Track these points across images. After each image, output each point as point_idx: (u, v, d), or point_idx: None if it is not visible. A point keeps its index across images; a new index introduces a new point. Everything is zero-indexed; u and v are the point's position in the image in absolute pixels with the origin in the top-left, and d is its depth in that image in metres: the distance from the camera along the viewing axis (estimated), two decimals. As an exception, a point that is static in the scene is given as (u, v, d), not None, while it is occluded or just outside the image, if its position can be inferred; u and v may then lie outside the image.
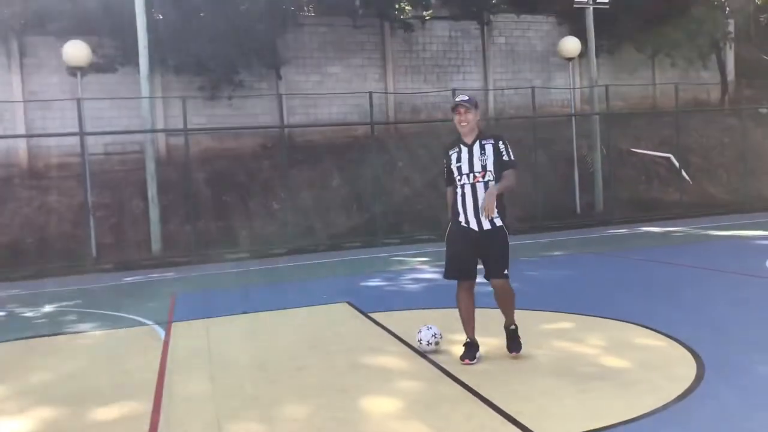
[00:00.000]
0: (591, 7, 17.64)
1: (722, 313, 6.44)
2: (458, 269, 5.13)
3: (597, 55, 18.45)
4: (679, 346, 5.26)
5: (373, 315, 7.11)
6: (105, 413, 4.55)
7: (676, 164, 18.80)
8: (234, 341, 6.51)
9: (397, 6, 18.29)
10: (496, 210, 4.92)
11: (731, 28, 21.64)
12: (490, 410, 4.10)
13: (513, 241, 5.13)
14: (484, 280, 5.11)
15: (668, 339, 5.50)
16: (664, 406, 4.02)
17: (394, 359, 5.42)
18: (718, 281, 8.37)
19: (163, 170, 15.26)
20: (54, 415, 4.60)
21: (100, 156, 16.07)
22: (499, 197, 4.95)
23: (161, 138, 16.62)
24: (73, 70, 14.57)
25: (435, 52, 19.76)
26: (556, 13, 20.50)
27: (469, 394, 4.42)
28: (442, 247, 5.34)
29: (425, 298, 8.22)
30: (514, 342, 5.21)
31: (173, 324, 7.37)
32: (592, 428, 3.74)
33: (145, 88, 14.39)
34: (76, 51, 14.20)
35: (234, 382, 5.04)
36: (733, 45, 22.18)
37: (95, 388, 5.13)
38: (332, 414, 4.23)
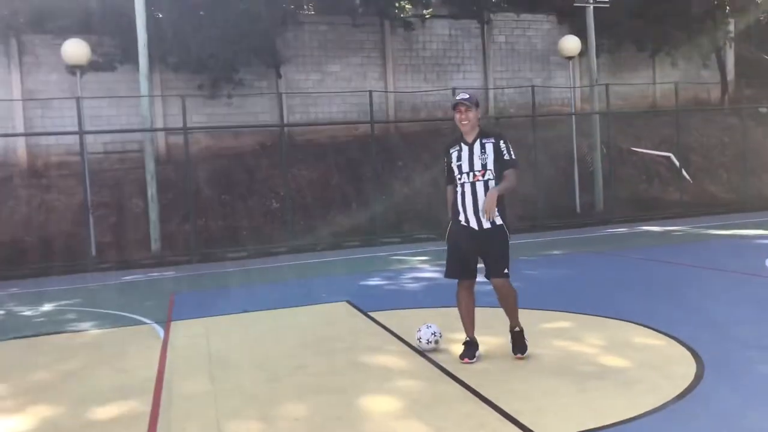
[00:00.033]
0: (591, 6, 17.63)
1: (722, 312, 6.44)
2: (458, 268, 5.13)
3: (597, 54, 18.45)
4: (679, 345, 5.26)
5: (372, 314, 7.11)
6: (104, 412, 4.54)
7: (677, 163, 18.80)
8: (233, 340, 6.51)
9: (397, 4, 18.28)
10: (496, 210, 4.91)
11: (731, 27, 21.62)
12: (490, 409, 4.10)
13: (513, 240, 5.13)
14: (485, 279, 5.10)
15: (668, 338, 5.50)
16: (663, 405, 4.02)
17: (394, 358, 5.42)
18: (718, 280, 8.37)
19: (162, 169, 15.25)
20: (53, 413, 4.59)
21: (100, 155, 16.07)
22: (500, 197, 4.94)
23: (161, 137, 16.61)
24: (73, 69, 14.55)
25: (435, 51, 19.75)
26: (557, 12, 20.49)
27: (469, 393, 4.41)
28: (441, 246, 5.34)
29: (425, 297, 8.22)
30: (518, 344, 5.15)
31: (172, 323, 7.37)
32: (591, 427, 3.74)
33: (144, 87, 14.38)
34: (76, 49, 14.18)
35: (233, 381, 5.03)
36: (733, 44, 22.18)
37: (94, 387, 5.13)
38: (332, 413, 4.22)
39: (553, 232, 15.19)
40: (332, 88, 18.35)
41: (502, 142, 5.05)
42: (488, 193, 4.88)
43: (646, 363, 4.86)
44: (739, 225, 14.46)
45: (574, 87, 19.05)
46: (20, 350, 6.73)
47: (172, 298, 9.21)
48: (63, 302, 9.63)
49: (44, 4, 15.42)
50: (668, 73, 21.15)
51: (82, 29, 15.29)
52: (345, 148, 17.45)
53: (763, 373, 4.57)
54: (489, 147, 5.02)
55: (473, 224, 5.01)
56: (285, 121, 16.64)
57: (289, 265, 12.49)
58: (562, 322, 6.35)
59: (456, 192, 5.11)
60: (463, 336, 5.24)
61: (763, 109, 21.05)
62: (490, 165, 4.99)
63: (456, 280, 5.18)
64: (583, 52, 18.29)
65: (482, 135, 5.09)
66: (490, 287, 5.11)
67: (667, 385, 4.35)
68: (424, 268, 10.88)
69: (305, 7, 18.85)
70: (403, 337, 5.95)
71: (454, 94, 15.98)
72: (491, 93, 19.84)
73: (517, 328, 5.17)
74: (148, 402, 4.63)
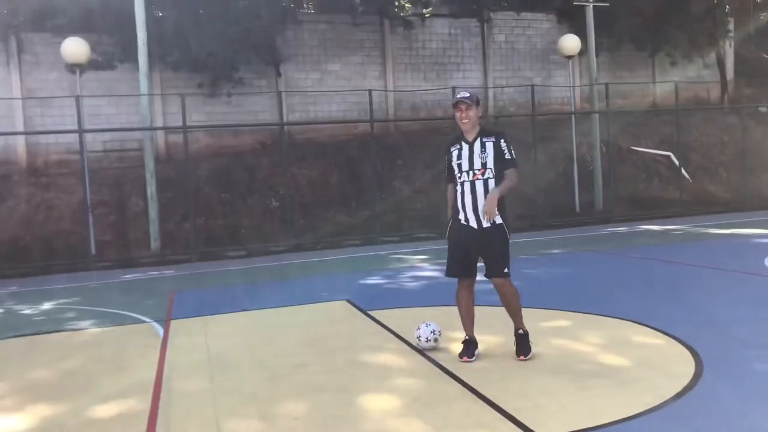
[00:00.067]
0: (591, 5, 17.63)
1: (721, 311, 6.44)
2: (458, 267, 5.12)
3: (597, 53, 18.44)
4: (678, 344, 5.27)
5: (372, 313, 7.11)
6: (103, 410, 4.54)
7: (676, 162, 18.80)
8: (233, 339, 6.51)
9: (397, 3, 18.27)
10: (496, 210, 4.89)
11: (731, 26, 21.62)
12: (489, 408, 4.10)
13: (513, 239, 5.12)
14: (485, 279, 5.10)
15: (667, 337, 5.50)
16: (662, 403, 4.02)
17: (393, 357, 5.42)
18: (717, 279, 8.37)
19: (162, 168, 15.25)
20: (52, 412, 4.59)
21: (99, 153, 16.06)
22: (500, 197, 4.90)
23: (160, 135, 16.60)
24: (72, 67, 14.55)
25: (435, 50, 19.74)
26: (556, 11, 20.49)
27: (468, 392, 4.41)
28: (441, 245, 5.34)
29: (424, 296, 8.22)
30: (522, 347, 5.08)
31: (172, 321, 7.37)
32: (590, 426, 3.74)
33: (144, 86, 14.37)
34: (75, 48, 14.18)
35: (233, 380, 5.04)
36: (732, 43, 22.18)
37: (94, 386, 5.13)
38: (331, 411, 4.22)
39: (553, 231, 15.20)
40: (332, 87, 18.35)
41: (502, 141, 5.04)
42: (489, 195, 4.86)
43: (645, 362, 4.86)
44: (738, 224, 14.47)
45: (574, 86, 19.06)
46: (20, 349, 6.73)
47: (171, 296, 9.22)
48: (62, 301, 9.63)
49: (44, 2, 15.42)
50: (668, 73, 21.14)
51: (81, 28, 15.28)
52: (345, 146, 17.45)
53: (762, 371, 4.57)
54: (489, 146, 5.01)
55: (473, 223, 5.01)
56: (285, 119, 16.64)
57: (289, 263, 12.49)
58: (562, 320, 6.35)
59: (456, 191, 5.12)
60: (462, 335, 5.24)
61: (762, 109, 21.05)
62: (490, 164, 4.98)
63: (456, 279, 5.18)
64: (583, 51, 18.28)
65: (483, 134, 5.08)
66: (491, 286, 5.11)
67: (666, 383, 4.36)
68: (424, 266, 10.88)
69: (305, 5, 18.86)
70: (402, 335, 5.96)
71: (453, 93, 15.97)
72: (491, 92, 19.84)
73: (521, 331, 5.11)
74: (148, 400, 4.63)
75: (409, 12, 18.83)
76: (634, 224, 15.77)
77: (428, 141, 17.18)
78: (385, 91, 18.77)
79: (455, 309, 5.27)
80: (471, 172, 5.00)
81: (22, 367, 5.88)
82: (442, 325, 5.63)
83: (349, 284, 9.43)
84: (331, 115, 18.27)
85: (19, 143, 15.96)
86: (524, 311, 5.16)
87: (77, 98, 13.89)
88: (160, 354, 5.92)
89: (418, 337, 5.48)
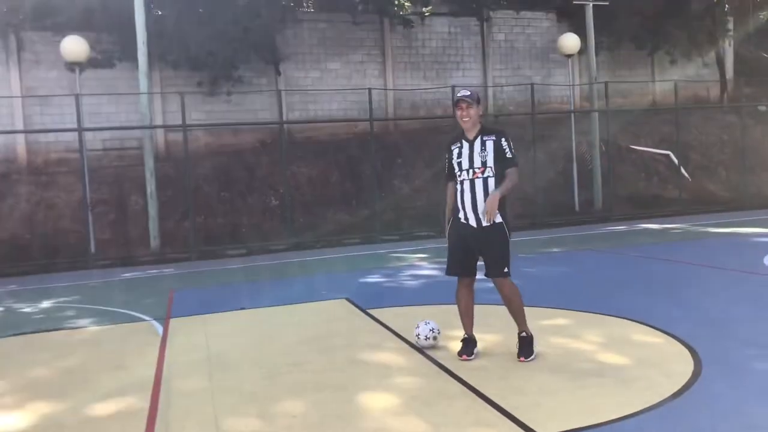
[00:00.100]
0: (590, 4, 17.63)
1: (720, 309, 6.45)
2: (458, 265, 5.12)
3: (596, 52, 18.44)
4: (677, 343, 5.27)
5: (371, 311, 7.11)
6: (103, 409, 4.54)
7: (675, 161, 18.81)
8: (232, 337, 6.51)
9: (396, 2, 18.25)
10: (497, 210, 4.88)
11: (731, 25, 21.63)
12: (488, 406, 4.11)
13: (512, 238, 5.12)
14: (485, 278, 5.10)
15: (666, 336, 5.51)
16: (661, 402, 4.03)
17: (392, 355, 5.43)
18: (716, 278, 8.37)
19: (161, 166, 15.24)
20: (52, 410, 4.60)
21: (99, 152, 16.06)
22: (501, 198, 4.89)
23: (160, 134, 16.60)
24: (72, 66, 14.54)
25: (434, 49, 19.74)
26: (556, 10, 20.49)
27: (467, 390, 4.42)
28: (440, 244, 5.34)
29: (424, 295, 8.21)
30: (522, 349, 5.01)
31: (171, 320, 7.37)
32: (589, 424, 3.75)
33: (143, 84, 14.36)
34: (75, 46, 14.17)
35: (232, 378, 5.04)
36: (732, 42, 22.18)
37: (93, 384, 5.14)
38: (330, 410, 4.23)
39: (552, 230, 15.21)
40: (332, 86, 18.35)
41: (503, 139, 5.03)
42: (490, 196, 4.85)
43: (644, 360, 4.87)
44: (737, 223, 14.48)
45: (574, 85, 19.06)
46: (19, 347, 6.73)
47: (171, 295, 9.22)
48: (62, 299, 9.63)
49: (43, 0, 15.40)
50: (667, 71, 21.15)
51: (81, 26, 15.27)
52: (344, 145, 17.45)
53: (761, 370, 4.58)
54: (489, 144, 5.00)
55: (472, 222, 5.00)
56: (284, 118, 16.63)
57: (289, 262, 12.50)
58: (561, 319, 6.35)
59: (456, 189, 5.11)
60: (461, 333, 5.25)
61: (762, 107, 21.06)
62: (490, 162, 4.97)
63: (456, 278, 5.18)
64: (583, 50, 18.28)
65: (483, 132, 5.07)
66: (490, 285, 5.11)
67: (665, 382, 4.36)
68: (423, 265, 10.88)
69: (305, 4, 18.84)
70: (401, 334, 5.96)
71: (453, 91, 15.99)
72: (490, 91, 19.84)
73: (523, 334, 5.04)
74: (147, 399, 4.63)
75: (409, 11, 18.82)
76: (633, 223, 15.77)
77: (428, 140, 17.18)
78: (385, 89, 18.77)
79: (454, 307, 5.27)
80: (471, 171, 4.99)
81: (22, 366, 5.88)
82: (441, 323, 5.63)
83: (349, 283, 9.43)
84: (330, 113, 18.26)
85: (19, 142, 15.95)
86: (524, 310, 5.14)
87: (77, 96, 13.89)
88: (160, 352, 5.92)
89: (417, 335, 5.48)
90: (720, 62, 21.84)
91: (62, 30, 15.11)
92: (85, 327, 7.50)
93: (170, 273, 12.11)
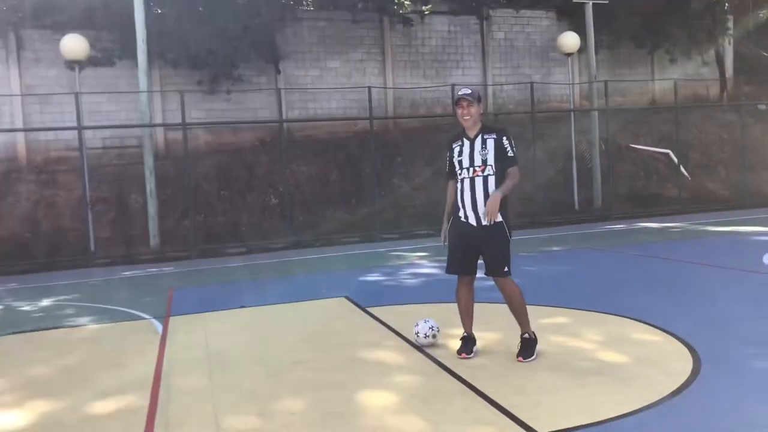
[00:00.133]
0: (590, 3, 17.61)
1: (719, 308, 6.45)
2: (458, 264, 5.11)
3: (596, 51, 18.43)
4: (676, 341, 5.27)
5: (371, 309, 7.12)
6: (102, 407, 4.55)
7: (675, 160, 18.81)
8: (232, 335, 6.51)
9: (396, 1, 18.25)
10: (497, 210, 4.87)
11: (730, 24, 21.62)
12: (487, 404, 4.11)
13: (512, 237, 5.12)
14: (485, 276, 5.10)
15: (665, 334, 5.51)
16: (660, 400, 4.03)
17: (392, 354, 5.43)
18: (715, 277, 8.37)
19: (161, 165, 15.24)
20: (51, 408, 4.60)
21: (99, 150, 16.05)
22: (502, 198, 4.87)
23: (159, 132, 16.60)
24: (71, 64, 14.54)
25: (434, 47, 19.73)
26: (556, 9, 20.48)
27: (466, 388, 4.42)
28: (440, 242, 5.34)
29: (423, 293, 8.22)
30: (524, 350, 4.97)
31: (171, 318, 7.37)
32: (588, 422, 3.75)
33: (143, 82, 14.36)
34: (74, 44, 14.17)
35: (231, 377, 5.04)
36: (732, 41, 22.17)
37: (93, 382, 5.14)
38: (329, 408, 4.23)
39: (552, 229, 15.21)
40: (331, 84, 18.33)
41: (504, 138, 5.02)
42: (491, 196, 4.83)
43: (643, 359, 4.87)
44: (737, 221, 14.48)
45: (573, 83, 19.05)
46: (18, 345, 6.74)
47: (170, 293, 9.22)
48: (62, 297, 9.63)
49: (43, -1, 15.42)
50: (667, 70, 21.14)
51: (81, 24, 15.27)
52: (344, 144, 17.45)
53: (760, 369, 4.58)
54: (490, 143, 5.00)
55: (472, 220, 5.00)
56: (284, 116, 16.63)
57: (288, 260, 12.50)
58: (560, 317, 6.36)
59: (456, 187, 5.11)
60: (461, 331, 5.25)
61: (761, 106, 21.05)
62: (491, 160, 4.97)
63: (456, 276, 5.19)
64: (582, 49, 18.28)
65: (484, 130, 5.07)
66: (491, 283, 5.12)
67: (665, 380, 4.37)
68: (423, 263, 10.89)
69: (304, 2, 18.82)
70: (401, 332, 5.96)
71: (453, 90, 15.99)
72: (490, 89, 19.83)
73: (526, 335, 5.00)
74: (146, 397, 4.64)
75: (409, 9, 18.81)
76: (632, 221, 15.78)
77: (427, 138, 17.19)
78: (385, 88, 18.76)
79: (454, 306, 5.27)
80: (471, 169, 4.99)
81: (22, 364, 5.89)
82: (440, 321, 5.63)
83: (348, 281, 9.43)
84: (330, 112, 18.26)
85: (19, 140, 15.95)
86: (523, 308, 5.13)
87: (76, 95, 13.89)
88: (159, 351, 5.93)
89: (417, 333, 5.49)
90: (720, 61, 21.84)
91: (62, 28, 15.11)
92: (85, 325, 7.50)
93: (170, 271, 12.12)
